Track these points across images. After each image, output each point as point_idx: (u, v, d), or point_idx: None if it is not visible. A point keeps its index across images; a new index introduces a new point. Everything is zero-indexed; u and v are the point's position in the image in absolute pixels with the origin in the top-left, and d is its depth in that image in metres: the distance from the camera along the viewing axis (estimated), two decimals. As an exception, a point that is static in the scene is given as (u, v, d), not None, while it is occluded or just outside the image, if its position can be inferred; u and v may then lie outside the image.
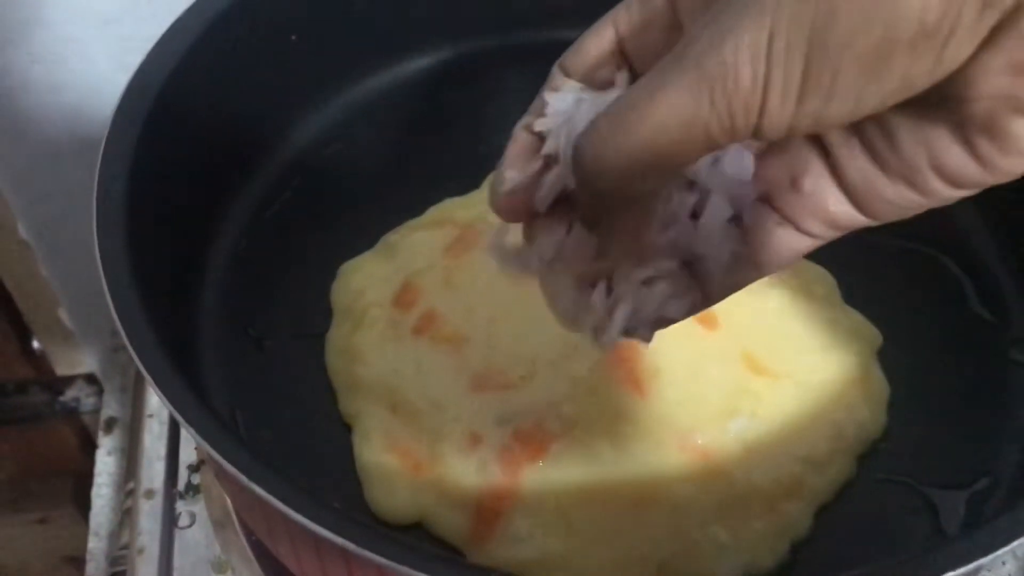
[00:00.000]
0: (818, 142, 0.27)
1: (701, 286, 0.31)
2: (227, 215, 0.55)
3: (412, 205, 0.57)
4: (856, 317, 0.52)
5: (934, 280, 0.54)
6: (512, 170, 0.31)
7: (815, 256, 0.53)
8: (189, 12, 0.51)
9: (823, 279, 0.54)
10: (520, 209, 0.31)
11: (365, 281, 0.54)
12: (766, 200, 0.28)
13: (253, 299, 0.53)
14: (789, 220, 0.28)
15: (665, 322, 0.32)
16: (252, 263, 0.54)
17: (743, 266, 0.30)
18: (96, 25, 0.63)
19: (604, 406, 0.46)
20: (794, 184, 0.27)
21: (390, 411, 0.48)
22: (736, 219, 0.30)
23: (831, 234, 0.28)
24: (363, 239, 0.55)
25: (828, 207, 0.27)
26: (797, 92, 0.23)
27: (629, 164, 0.25)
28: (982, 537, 0.35)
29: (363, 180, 0.58)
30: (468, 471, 0.45)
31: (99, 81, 0.65)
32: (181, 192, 0.50)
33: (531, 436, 0.46)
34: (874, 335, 0.51)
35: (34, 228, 0.73)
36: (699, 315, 0.48)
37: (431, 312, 0.51)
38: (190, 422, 0.37)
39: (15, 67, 0.63)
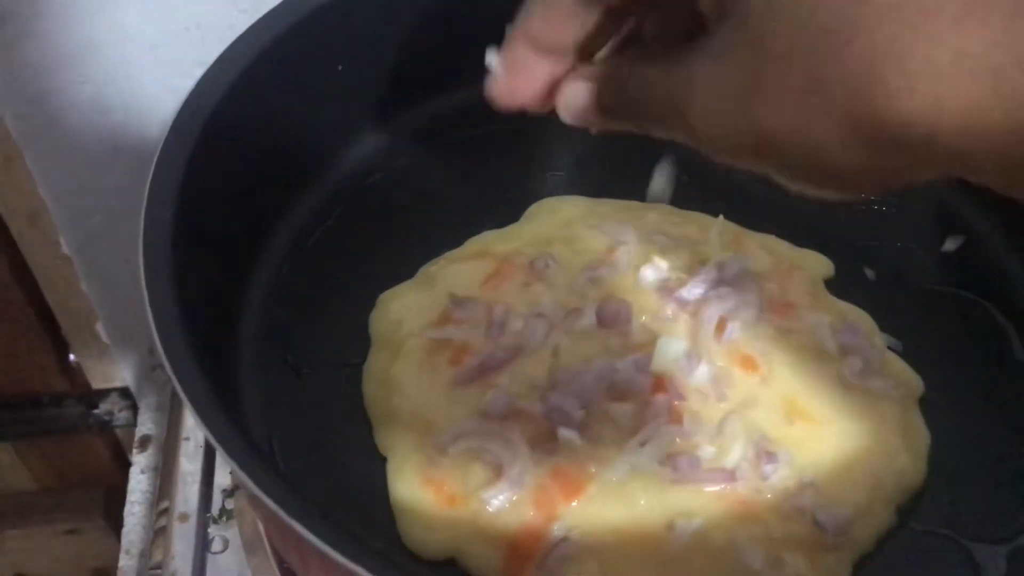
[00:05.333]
0: None
1: None
2: (269, 242, 0.55)
3: (451, 236, 0.57)
4: (898, 364, 0.51)
5: (978, 327, 0.53)
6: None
7: (858, 302, 0.54)
8: (239, 41, 0.51)
9: (863, 320, 0.53)
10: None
11: (403, 311, 0.54)
12: None
13: (292, 327, 0.53)
14: None
15: None
16: (292, 291, 0.54)
17: None
18: (145, 49, 0.64)
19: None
20: None
21: (425, 443, 0.48)
22: None
23: None
24: (402, 269, 0.56)
25: None
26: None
27: None
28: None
29: (403, 210, 0.58)
30: (502, 508, 0.45)
31: (146, 103, 0.66)
32: (226, 218, 0.51)
33: (568, 475, 0.46)
34: (916, 383, 0.51)
35: (76, 243, 0.74)
36: (740, 359, 0.49)
37: (467, 344, 0.51)
38: (231, 454, 0.38)
39: (65, 87, 0.64)
